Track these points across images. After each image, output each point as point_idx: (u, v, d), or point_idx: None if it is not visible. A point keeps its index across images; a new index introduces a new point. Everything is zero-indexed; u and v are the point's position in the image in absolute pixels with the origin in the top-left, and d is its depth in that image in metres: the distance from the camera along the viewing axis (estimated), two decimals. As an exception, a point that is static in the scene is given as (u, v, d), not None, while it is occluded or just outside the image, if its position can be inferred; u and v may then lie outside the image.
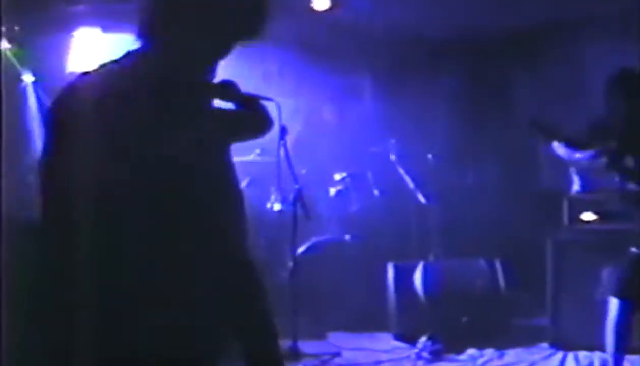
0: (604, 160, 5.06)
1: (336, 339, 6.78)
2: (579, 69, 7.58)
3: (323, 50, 7.99)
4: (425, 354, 6.26)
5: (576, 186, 6.16)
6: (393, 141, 7.62)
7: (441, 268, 6.70)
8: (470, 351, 6.32)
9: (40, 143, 6.73)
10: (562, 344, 6.26)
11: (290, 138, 6.35)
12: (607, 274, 5.22)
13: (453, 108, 8.21)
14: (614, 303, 5.01)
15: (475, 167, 8.18)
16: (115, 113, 2.32)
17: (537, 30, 7.70)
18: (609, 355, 5.12)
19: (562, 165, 6.05)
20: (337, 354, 6.37)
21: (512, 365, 6.04)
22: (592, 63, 7.40)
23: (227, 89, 4.59)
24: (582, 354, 6.08)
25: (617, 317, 4.97)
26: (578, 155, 5.37)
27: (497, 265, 6.87)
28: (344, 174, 7.66)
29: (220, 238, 2.42)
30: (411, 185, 6.87)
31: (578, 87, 7.49)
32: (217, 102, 4.58)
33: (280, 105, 4.67)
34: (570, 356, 6.10)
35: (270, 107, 4.64)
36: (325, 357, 6.28)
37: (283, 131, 6.24)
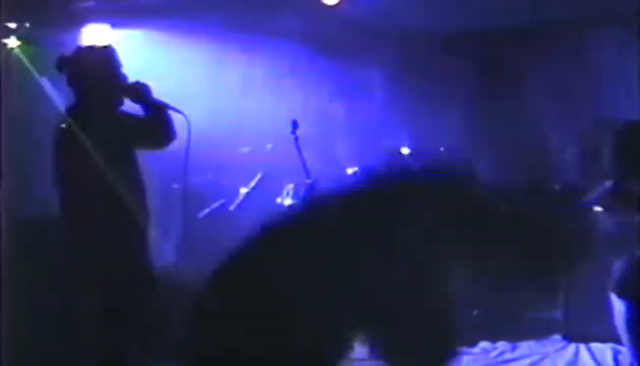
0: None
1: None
2: (591, 62, 7.55)
3: (333, 44, 7.97)
4: (437, 347, 6.24)
5: None
6: (405, 135, 7.61)
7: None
8: (483, 344, 6.31)
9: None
10: (574, 336, 6.24)
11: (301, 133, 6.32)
12: (615, 268, 5.20)
13: (465, 102, 8.18)
14: (617, 302, 4.99)
15: (488, 160, 8.14)
16: None
17: (549, 24, 7.67)
18: (627, 350, 5.09)
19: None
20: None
21: (524, 357, 6.03)
22: (603, 57, 7.37)
23: (139, 91, 4.60)
24: (595, 346, 6.06)
25: (625, 316, 4.94)
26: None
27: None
28: (356, 168, 7.63)
29: None
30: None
31: (589, 80, 7.47)
32: (127, 102, 4.60)
33: (190, 120, 4.63)
34: (583, 348, 6.08)
35: (180, 119, 4.67)
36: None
37: (294, 125, 6.20)
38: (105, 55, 4.66)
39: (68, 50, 4.74)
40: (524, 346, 6.26)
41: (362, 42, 8.02)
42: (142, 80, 4.72)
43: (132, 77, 4.78)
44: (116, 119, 4.55)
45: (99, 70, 4.57)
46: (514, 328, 6.53)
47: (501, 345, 6.30)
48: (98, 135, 4.36)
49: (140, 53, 7.01)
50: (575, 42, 7.68)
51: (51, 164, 4.59)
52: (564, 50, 7.78)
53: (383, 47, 8.15)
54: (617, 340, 5.70)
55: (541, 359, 5.98)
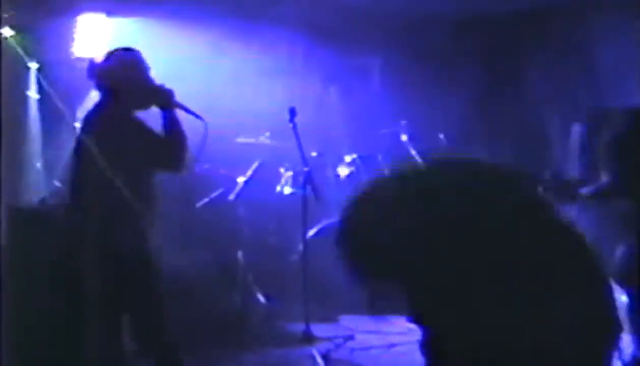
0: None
1: (349, 322, 6.74)
2: (592, 49, 7.50)
3: (332, 30, 7.92)
4: (439, 336, 6.21)
5: None
6: (404, 122, 7.58)
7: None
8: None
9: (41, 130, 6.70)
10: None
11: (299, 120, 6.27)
12: (617, 257, 5.17)
13: (464, 89, 8.13)
14: (620, 291, 4.96)
15: (487, 147, 8.10)
16: None
17: (549, 10, 7.62)
18: (629, 339, 5.07)
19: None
20: (350, 337, 6.33)
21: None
22: (604, 43, 7.33)
23: (164, 96, 4.62)
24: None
25: (629, 306, 4.93)
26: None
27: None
28: (354, 156, 7.59)
29: None
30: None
31: (590, 67, 7.43)
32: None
33: (208, 125, 4.73)
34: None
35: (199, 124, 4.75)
36: (338, 340, 6.25)
37: (292, 113, 6.15)
38: (135, 63, 4.67)
39: (98, 57, 4.74)
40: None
41: (361, 28, 7.97)
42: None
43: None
44: (137, 127, 4.57)
45: (129, 79, 4.60)
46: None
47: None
48: (117, 139, 4.41)
49: (136, 41, 6.97)
50: (577, 28, 7.64)
51: (68, 158, 4.64)
52: (566, 36, 7.74)
53: (380, 33, 8.10)
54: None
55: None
